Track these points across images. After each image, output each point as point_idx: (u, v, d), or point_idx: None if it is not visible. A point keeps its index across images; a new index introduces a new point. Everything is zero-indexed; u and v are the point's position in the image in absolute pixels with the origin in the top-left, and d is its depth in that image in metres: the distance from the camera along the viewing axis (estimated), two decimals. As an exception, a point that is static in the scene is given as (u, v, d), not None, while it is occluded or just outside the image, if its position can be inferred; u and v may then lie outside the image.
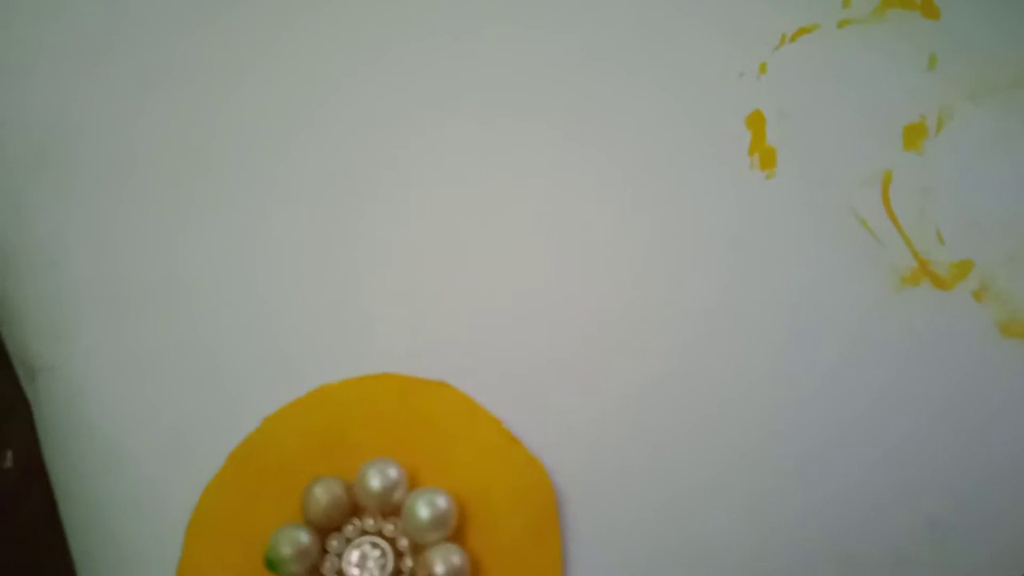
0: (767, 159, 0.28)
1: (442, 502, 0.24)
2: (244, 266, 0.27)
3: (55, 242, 0.28)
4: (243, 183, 0.28)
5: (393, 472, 0.24)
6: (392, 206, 0.28)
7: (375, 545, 0.24)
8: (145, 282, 0.27)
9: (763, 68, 0.29)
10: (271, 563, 0.23)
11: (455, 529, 0.24)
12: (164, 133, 0.28)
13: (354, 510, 0.24)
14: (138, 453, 0.26)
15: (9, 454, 0.31)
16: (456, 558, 0.23)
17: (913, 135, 0.28)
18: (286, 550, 0.23)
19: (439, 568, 0.23)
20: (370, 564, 0.24)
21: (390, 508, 0.24)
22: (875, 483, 0.25)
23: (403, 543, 0.24)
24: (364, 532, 0.24)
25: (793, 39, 0.29)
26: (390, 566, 0.24)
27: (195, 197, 0.28)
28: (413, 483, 0.24)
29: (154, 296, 0.27)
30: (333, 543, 0.24)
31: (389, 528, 0.24)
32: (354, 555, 0.24)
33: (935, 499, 0.25)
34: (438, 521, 0.23)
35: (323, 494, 0.24)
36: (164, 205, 0.28)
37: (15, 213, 0.28)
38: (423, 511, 0.23)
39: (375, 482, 0.24)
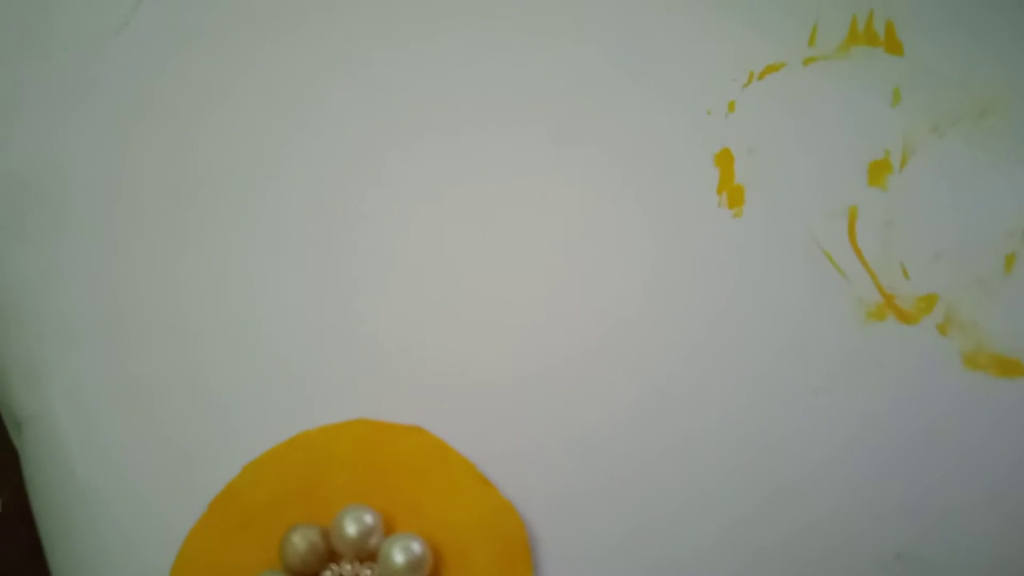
0: (735, 197, 0.29)
1: (416, 547, 0.24)
2: (226, 306, 0.28)
3: (36, 284, 0.28)
4: (225, 222, 0.28)
5: (368, 518, 0.24)
6: (376, 244, 0.28)
7: (352, 590, 0.24)
8: (126, 322, 0.28)
9: (731, 107, 0.29)
10: (250, 610, 0.24)
11: (430, 572, 0.24)
12: (148, 168, 0.29)
13: (331, 556, 0.25)
14: (119, 499, 0.26)
15: (-2, 501, 0.31)
16: (431, 602, 0.24)
17: (878, 171, 0.29)
18: (265, 597, 0.24)
19: (414, 612, 0.24)
20: (347, 609, 0.24)
21: (366, 553, 0.25)
22: (844, 513, 0.25)
23: (379, 587, 0.24)
24: (341, 577, 0.25)
25: (760, 77, 0.29)
26: (367, 610, 0.24)
27: (177, 234, 0.28)
28: (389, 528, 0.25)
29: (136, 336, 0.28)
30: (311, 588, 0.25)
31: (366, 573, 0.25)
32: (331, 600, 0.24)
33: (902, 530, 0.25)
34: (413, 566, 0.24)
35: (300, 541, 0.24)
36: (147, 244, 0.28)
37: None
38: (398, 556, 0.24)
39: (351, 529, 0.24)
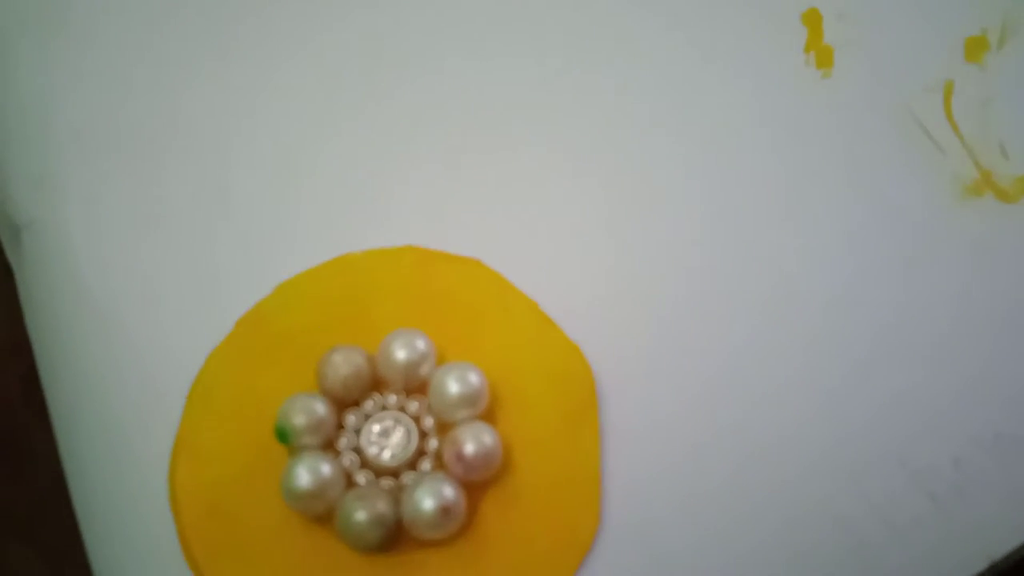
0: (824, 58, 0.27)
1: (474, 378, 0.21)
2: (260, 115, 0.25)
3: (43, 81, 0.25)
4: (263, 24, 0.25)
5: (421, 344, 0.22)
6: (431, 70, 0.26)
7: (397, 422, 0.21)
8: (147, 127, 0.25)
9: (819, -33, 0.27)
10: (281, 433, 0.21)
11: (485, 410, 0.22)
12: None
13: (375, 384, 0.22)
14: (134, 317, 0.23)
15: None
16: (488, 437, 0.21)
17: (975, 47, 0.27)
18: (299, 420, 0.21)
19: (469, 447, 0.21)
20: (391, 441, 0.21)
21: (415, 384, 0.22)
22: (939, 391, 0.23)
23: (428, 423, 0.22)
24: (385, 408, 0.22)
25: (851, -59, 0.27)
26: (413, 445, 0.21)
27: (210, 34, 0.25)
28: (441, 360, 0.22)
29: (157, 142, 0.25)
30: (350, 418, 0.22)
31: (413, 406, 0.22)
32: (374, 431, 0.21)
33: (1001, 410, 0.23)
34: (469, 398, 0.21)
35: (343, 363, 0.21)
36: (170, 42, 0.25)
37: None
38: (453, 386, 0.21)
39: (401, 354, 0.21)
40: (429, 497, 0.20)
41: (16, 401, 0.27)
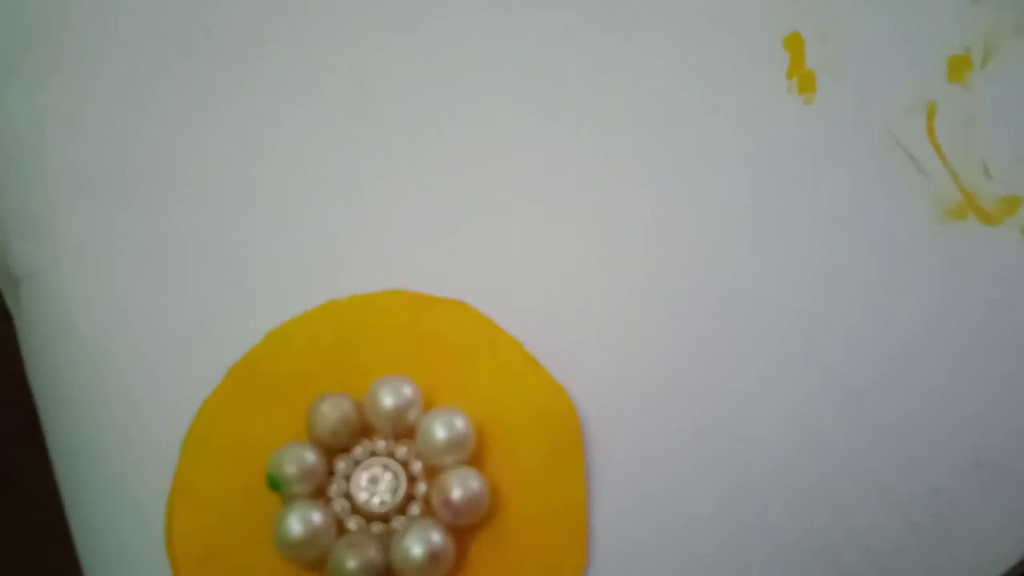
0: (806, 83, 0.27)
1: (460, 423, 0.22)
2: (247, 163, 0.25)
3: (35, 130, 0.26)
4: (254, 73, 0.26)
5: (408, 390, 0.22)
6: (413, 114, 0.26)
7: (386, 467, 0.22)
8: (139, 175, 0.25)
9: (802, -10, 0.27)
10: (273, 482, 0.21)
11: (472, 453, 0.22)
12: (172, 13, 0.26)
13: (364, 430, 0.22)
14: (127, 365, 0.24)
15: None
16: (474, 482, 0.21)
17: (958, 66, 0.27)
18: (290, 469, 0.21)
19: (456, 492, 0.21)
20: (381, 487, 0.22)
21: (403, 429, 0.22)
22: (919, 417, 0.23)
23: (416, 467, 0.22)
24: (374, 454, 0.22)
25: (832, -39, 0.27)
26: (402, 491, 0.22)
27: (199, 84, 0.26)
28: (428, 404, 0.23)
29: (149, 191, 0.25)
30: (340, 465, 0.22)
31: (401, 451, 0.22)
32: (363, 478, 0.22)
33: (981, 436, 0.23)
34: (456, 443, 0.22)
35: (331, 411, 0.22)
36: (160, 90, 0.26)
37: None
38: (440, 432, 0.22)
39: (388, 400, 0.22)
40: (418, 544, 0.21)
41: (17, 441, 0.28)
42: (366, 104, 0.26)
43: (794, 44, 0.27)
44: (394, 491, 0.22)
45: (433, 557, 0.21)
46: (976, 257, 0.25)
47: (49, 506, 0.26)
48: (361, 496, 0.22)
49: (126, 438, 0.23)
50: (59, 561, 0.26)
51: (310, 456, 0.22)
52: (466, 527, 0.22)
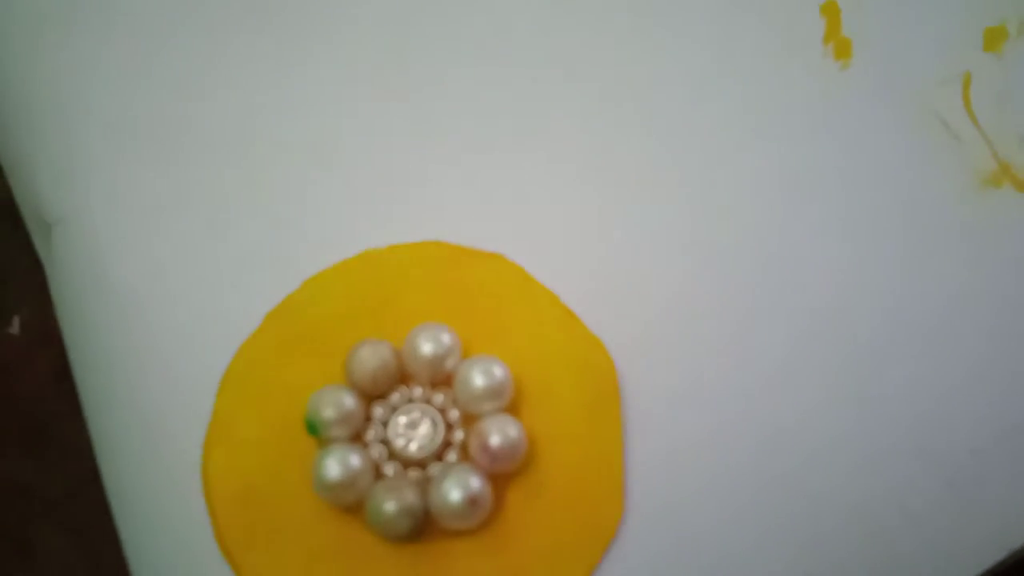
0: (842, 49, 0.27)
1: (499, 371, 0.22)
2: (283, 113, 0.25)
3: (68, 77, 0.26)
4: (292, 27, 0.26)
5: (446, 338, 0.22)
6: (452, 68, 0.26)
7: (424, 414, 0.22)
8: (173, 123, 0.25)
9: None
10: (311, 425, 0.21)
11: (510, 403, 0.22)
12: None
13: (402, 377, 0.22)
14: (163, 311, 0.24)
15: (16, 320, 0.29)
16: (513, 430, 0.21)
17: (994, 37, 0.27)
18: (328, 412, 0.21)
19: (494, 439, 0.21)
20: (418, 433, 0.22)
21: (441, 377, 0.22)
22: (954, 380, 0.23)
23: (453, 415, 0.22)
24: (411, 400, 0.22)
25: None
26: (439, 437, 0.22)
27: (237, 37, 0.26)
28: (466, 354, 0.23)
29: (184, 139, 0.25)
30: (378, 410, 0.22)
31: (439, 398, 0.22)
32: (401, 423, 0.22)
33: (1016, 401, 0.23)
34: (494, 391, 0.22)
35: (370, 357, 0.22)
36: (194, 38, 0.26)
37: (26, 52, 0.26)
38: (478, 379, 0.22)
39: (426, 347, 0.22)
40: (456, 488, 0.21)
41: (48, 392, 0.28)
42: (405, 58, 0.26)
43: (830, 10, 0.27)
44: (431, 437, 0.22)
45: (472, 502, 0.21)
46: (1012, 224, 0.25)
47: (82, 457, 0.26)
48: (399, 442, 0.22)
49: (161, 385, 0.23)
50: (90, 510, 0.26)
51: (348, 400, 0.22)
52: (503, 475, 0.22)
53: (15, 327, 0.28)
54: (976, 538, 0.23)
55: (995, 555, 0.22)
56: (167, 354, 0.24)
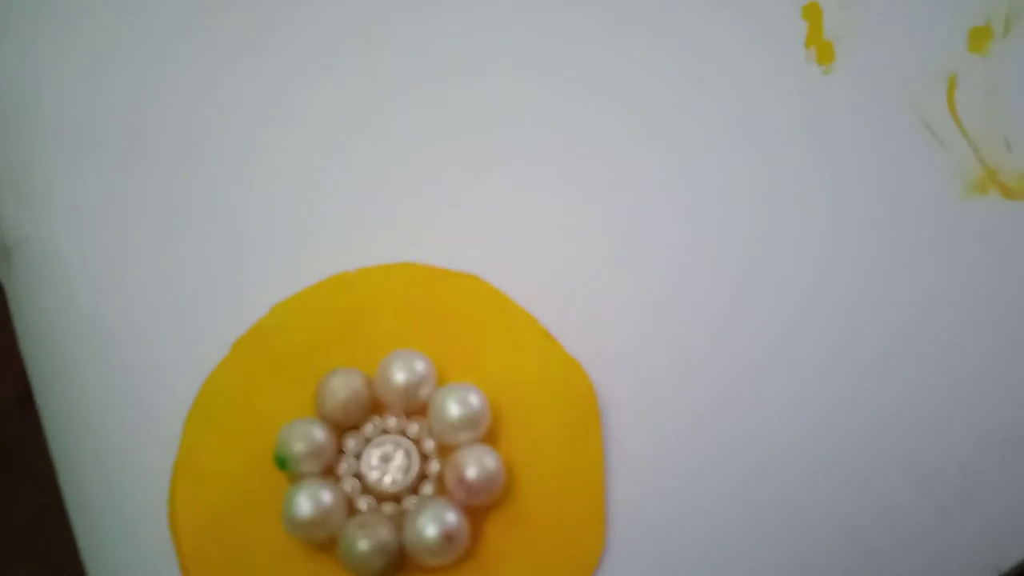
0: (825, 53, 0.26)
1: (475, 400, 0.21)
2: (255, 129, 0.24)
3: (29, 89, 0.25)
4: (261, 35, 0.25)
5: (420, 366, 0.21)
6: (428, 88, 0.25)
7: (398, 445, 0.21)
8: (139, 138, 0.24)
9: (819, -43, 0.27)
10: (281, 460, 0.21)
11: (487, 430, 0.21)
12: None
13: (374, 407, 0.22)
14: (128, 335, 0.23)
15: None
16: (490, 461, 0.21)
17: (979, 37, 0.26)
18: (298, 446, 0.21)
19: (471, 471, 0.21)
20: (392, 466, 0.21)
21: (415, 406, 0.21)
22: (939, 390, 0.23)
23: (428, 445, 0.21)
24: (385, 431, 0.21)
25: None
26: (414, 469, 0.21)
27: (205, 44, 0.25)
28: (441, 380, 0.22)
29: (150, 154, 0.24)
30: (350, 442, 0.21)
31: (413, 428, 0.22)
32: (374, 456, 0.21)
33: (1004, 413, 0.23)
34: (470, 420, 0.21)
35: (341, 387, 0.21)
36: (167, 52, 0.25)
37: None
38: (454, 409, 0.21)
39: (400, 376, 0.21)
40: (432, 524, 0.20)
41: (12, 417, 0.27)
42: (377, 71, 0.25)
43: (812, 13, 0.27)
44: (406, 470, 0.21)
45: (448, 538, 0.20)
46: (999, 231, 0.25)
47: (46, 483, 0.25)
48: (372, 475, 0.21)
49: (126, 412, 0.23)
50: (54, 538, 0.25)
51: (319, 433, 0.21)
52: (480, 507, 0.21)
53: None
54: (964, 558, 0.22)
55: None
56: (133, 380, 0.23)
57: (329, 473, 0.21)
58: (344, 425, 0.21)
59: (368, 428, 0.21)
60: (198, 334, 0.23)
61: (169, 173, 0.24)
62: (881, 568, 0.22)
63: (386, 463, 0.21)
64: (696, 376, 0.23)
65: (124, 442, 0.23)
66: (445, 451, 0.21)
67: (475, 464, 0.21)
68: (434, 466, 0.21)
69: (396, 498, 0.21)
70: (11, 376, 0.27)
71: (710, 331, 0.23)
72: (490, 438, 0.22)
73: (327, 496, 0.20)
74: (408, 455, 0.21)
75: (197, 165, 0.24)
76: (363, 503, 0.21)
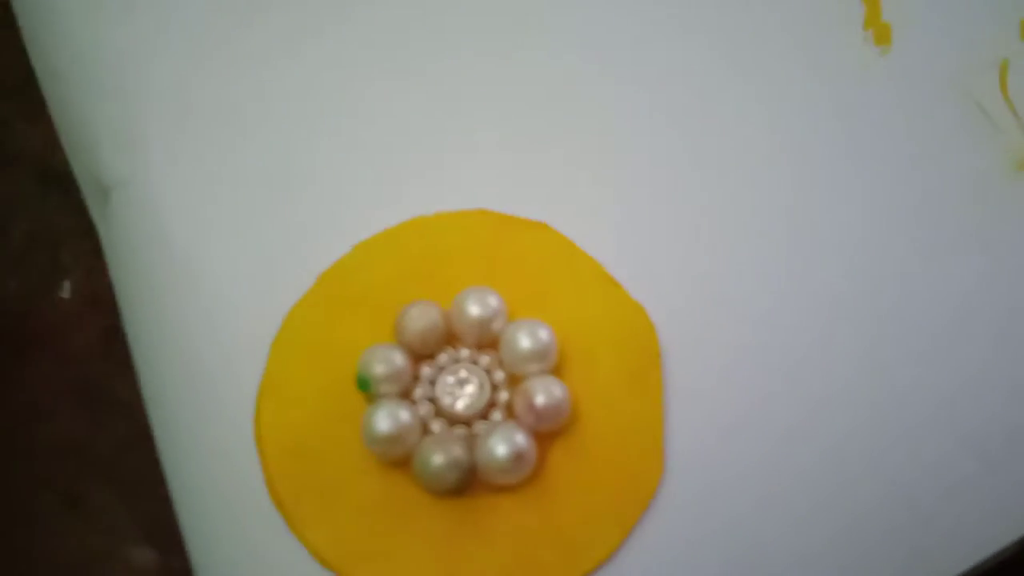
0: (882, 35, 0.27)
1: (544, 334, 0.22)
2: (337, 85, 0.26)
3: (131, 43, 0.26)
4: (342, 6, 0.27)
5: (493, 301, 0.23)
6: (499, 40, 0.26)
7: (471, 373, 0.22)
8: (232, 92, 0.26)
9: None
10: (362, 381, 0.22)
11: (554, 366, 0.23)
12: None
13: (449, 338, 0.23)
14: (217, 273, 0.25)
15: (67, 284, 0.29)
16: (557, 390, 0.22)
17: (1032, 27, 0.27)
18: (379, 369, 0.22)
19: (540, 398, 0.22)
20: (465, 392, 0.22)
21: (487, 339, 0.23)
22: (989, 372, 0.24)
23: (499, 376, 0.23)
24: (458, 361, 0.23)
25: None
26: (485, 396, 0.22)
27: (294, 15, 0.27)
28: (511, 317, 0.23)
29: (244, 107, 0.26)
30: (426, 370, 0.23)
31: (485, 359, 0.23)
32: (448, 382, 0.22)
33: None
34: (539, 353, 0.22)
35: (419, 317, 0.22)
36: (255, 10, 0.26)
37: (89, 23, 0.27)
38: (524, 341, 0.22)
39: (474, 310, 0.23)
40: (503, 443, 0.21)
41: (97, 353, 0.28)
42: (453, 30, 0.26)
43: (870, -3, 0.28)
44: (478, 396, 0.22)
45: (518, 457, 0.21)
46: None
47: (132, 416, 0.27)
48: (446, 400, 0.22)
49: (214, 345, 0.24)
50: (141, 467, 0.27)
51: (398, 358, 0.22)
52: (547, 434, 0.22)
53: (66, 291, 0.29)
54: (1009, 511, 0.23)
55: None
56: (221, 313, 0.24)
57: (406, 396, 0.22)
58: (421, 353, 0.23)
59: (443, 357, 0.23)
60: (284, 272, 0.24)
61: (260, 130, 0.25)
62: (927, 517, 0.23)
63: (459, 389, 0.22)
64: (753, 326, 0.24)
65: (211, 372, 0.24)
66: (514, 382, 0.23)
67: (544, 392, 0.22)
68: (503, 396, 0.23)
69: (467, 422, 0.22)
70: (98, 316, 0.29)
71: (768, 284, 0.24)
72: (556, 373, 0.23)
73: (405, 415, 0.22)
74: (480, 383, 0.22)
75: (283, 120, 0.25)
76: (436, 425, 0.22)
